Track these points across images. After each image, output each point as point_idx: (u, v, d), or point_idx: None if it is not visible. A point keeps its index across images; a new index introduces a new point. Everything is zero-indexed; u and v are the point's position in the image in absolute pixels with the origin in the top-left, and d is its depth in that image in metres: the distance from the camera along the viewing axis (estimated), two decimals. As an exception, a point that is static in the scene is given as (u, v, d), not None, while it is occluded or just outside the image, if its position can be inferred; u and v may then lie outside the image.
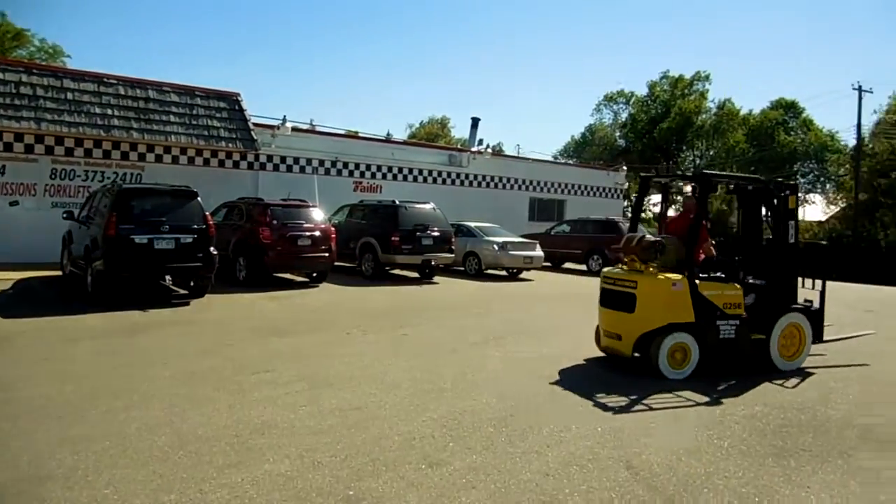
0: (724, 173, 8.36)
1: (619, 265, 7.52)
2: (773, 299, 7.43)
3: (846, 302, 14.68)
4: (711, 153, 48.13)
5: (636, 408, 5.72)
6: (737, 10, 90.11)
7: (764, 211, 7.89)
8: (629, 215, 48.95)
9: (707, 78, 49.40)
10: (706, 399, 6.07)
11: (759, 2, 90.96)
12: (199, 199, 11.52)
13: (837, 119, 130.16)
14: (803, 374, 7.22)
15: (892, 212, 34.75)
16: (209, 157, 18.84)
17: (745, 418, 5.49)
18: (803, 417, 5.57)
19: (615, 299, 7.09)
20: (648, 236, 7.28)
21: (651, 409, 5.70)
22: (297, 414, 5.19)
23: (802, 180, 50.73)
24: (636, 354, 6.98)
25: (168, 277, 12.16)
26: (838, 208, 43.64)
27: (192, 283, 11.61)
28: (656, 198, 53.76)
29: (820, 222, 42.75)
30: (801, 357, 7.48)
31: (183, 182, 13.02)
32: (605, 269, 7.59)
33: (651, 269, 6.94)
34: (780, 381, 6.81)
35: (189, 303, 11.00)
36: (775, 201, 7.65)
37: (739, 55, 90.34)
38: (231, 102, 18.87)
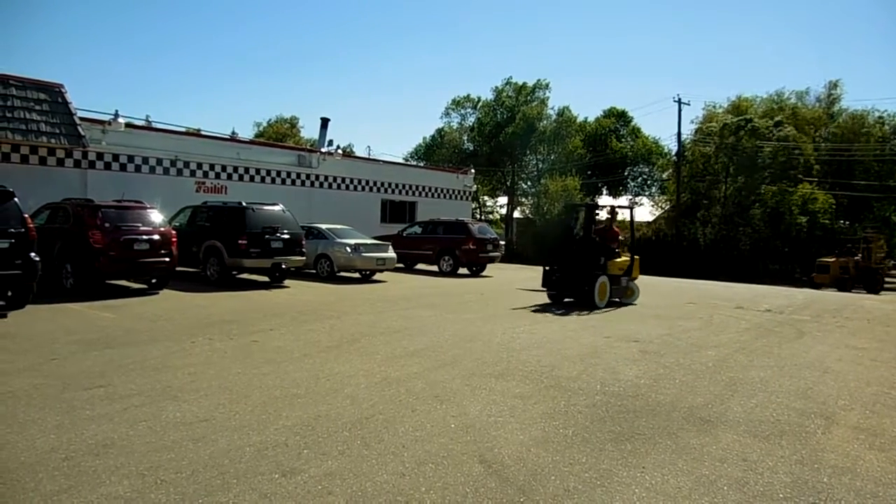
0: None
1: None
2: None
3: (664, 294, 16.13)
4: (553, 157, 50.81)
5: (487, 402, 5.91)
6: (572, 26, 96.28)
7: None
8: (478, 217, 50.43)
9: (547, 86, 52.15)
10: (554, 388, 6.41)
11: (590, 22, 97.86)
12: (16, 199, 10.43)
13: (661, 128, 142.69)
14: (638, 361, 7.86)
15: (709, 212, 38.64)
16: (28, 153, 17.09)
17: (587, 407, 5.86)
18: (637, 403, 6.04)
19: None
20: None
21: (496, 403, 5.92)
22: (137, 430, 4.84)
23: (632, 183, 55.11)
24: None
25: (-21, 287, 10.87)
26: (662, 210, 47.67)
27: (9, 293, 10.45)
28: (502, 200, 56.17)
29: (648, 223, 46.50)
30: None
31: (-4, 181, 11.67)
32: None
33: None
34: (615, 372, 7.35)
35: (6, 315, 9.89)
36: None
37: (574, 67, 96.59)
38: (53, 94, 17.22)
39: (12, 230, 10.13)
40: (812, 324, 12.05)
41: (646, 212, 52.93)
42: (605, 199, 54.96)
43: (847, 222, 41.66)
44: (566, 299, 13.66)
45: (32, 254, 10.38)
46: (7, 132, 15.89)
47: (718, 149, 39.46)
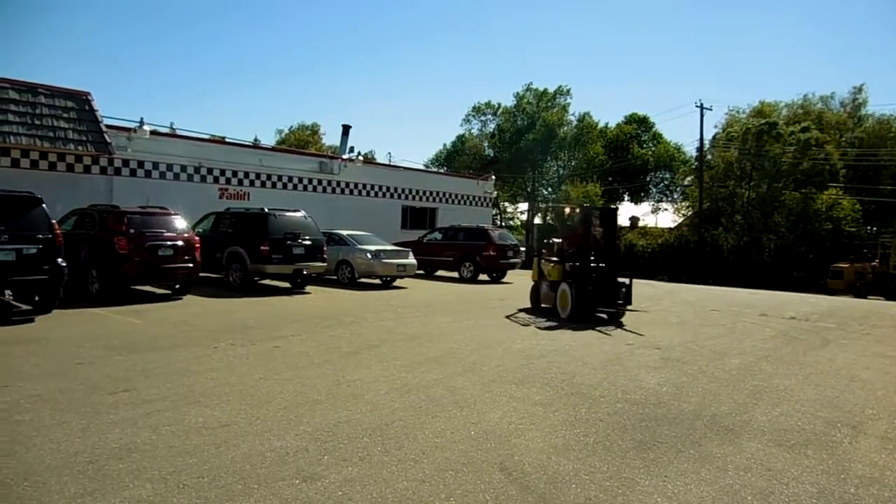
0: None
1: None
2: None
3: (687, 301, 15.96)
4: (573, 163, 50.62)
5: (507, 409, 5.89)
6: (594, 32, 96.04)
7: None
8: (499, 223, 50.32)
9: (568, 92, 52.11)
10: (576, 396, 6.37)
11: (611, 27, 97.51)
12: (44, 206, 10.63)
13: (683, 133, 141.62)
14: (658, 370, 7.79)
15: (732, 218, 38.23)
16: (56, 160, 17.39)
17: (608, 415, 5.81)
18: (660, 412, 5.98)
19: None
20: None
21: (516, 410, 5.89)
22: (160, 434, 4.89)
23: (654, 189, 54.70)
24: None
25: (8, 292, 10.99)
26: (684, 217, 47.19)
27: (37, 298, 10.64)
28: (523, 206, 56.09)
29: (671, 229, 46.05)
30: None
31: (25, 187, 11.83)
32: None
33: None
34: (636, 380, 7.28)
35: (34, 319, 10.06)
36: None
37: (595, 73, 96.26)
38: (80, 102, 17.52)
39: (40, 236, 10.31)
40: (838, 331, 11.84)
41: (668, 218, 52.49)
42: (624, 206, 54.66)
43: (874, 228, 40.97)
44: (598, 313, 12.37)
45: (59, 259, 10.56)
46: (35, 139, 16.20)
47: (741, 154, 39.03)
